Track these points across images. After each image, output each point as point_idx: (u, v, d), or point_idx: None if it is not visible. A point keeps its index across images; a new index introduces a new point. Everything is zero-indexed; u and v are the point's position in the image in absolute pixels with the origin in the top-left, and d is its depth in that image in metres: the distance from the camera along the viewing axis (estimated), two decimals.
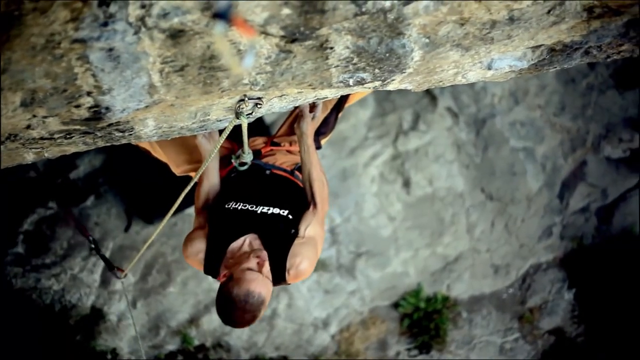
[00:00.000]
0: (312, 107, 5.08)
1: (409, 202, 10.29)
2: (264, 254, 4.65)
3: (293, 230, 4.94)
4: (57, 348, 8.41)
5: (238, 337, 9.21)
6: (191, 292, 8.95)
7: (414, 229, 10.33)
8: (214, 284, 8.86)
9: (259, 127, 5.23)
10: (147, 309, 8.77)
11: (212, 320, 9.03)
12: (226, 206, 5.04)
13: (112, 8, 2.68)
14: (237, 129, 4.43)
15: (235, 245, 4.78)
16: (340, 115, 5.94)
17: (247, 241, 4.80)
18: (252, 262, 4.54)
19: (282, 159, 5.56)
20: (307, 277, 5.17)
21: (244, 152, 5.07)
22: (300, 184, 5.31)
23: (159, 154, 5.54)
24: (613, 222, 10.95)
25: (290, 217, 5.00)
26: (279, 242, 4.78)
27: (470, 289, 10.65)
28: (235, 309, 4.43)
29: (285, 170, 5.42)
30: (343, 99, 5.80)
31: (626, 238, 10.79)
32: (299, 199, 5.18)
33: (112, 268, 6.36)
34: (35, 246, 8.39)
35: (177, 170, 5.62)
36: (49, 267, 8.43)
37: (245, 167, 5.26)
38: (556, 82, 10.77)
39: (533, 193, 10.72)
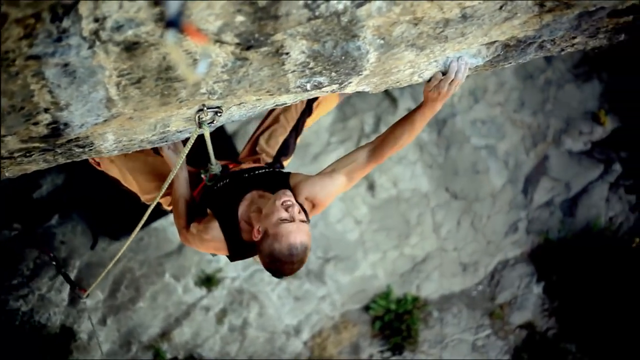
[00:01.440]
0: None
1: (375, 204, 10.32)
2: (287, 194, 4.59)
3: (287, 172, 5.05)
4: None
5: (210, 348, 9.18)
6: (161, 306, 8.91)
7: (381, 232, 10.36)
8: (184, 297, 8.87)
9: (222, 147, 5.23)
10: (118, 325, 8.72)
11: (183, 333, 9.01)
12: (215, 188, 5.08)
13: (65, 23, 2.67)
14: (199, 148, 4.44)
15: (242, 207, 4.80)
16: (298, 139, 5.95)
17: (253, 195, 4.85)
18: (282, 212, 4.46)
19: (247, 166, 5.57)
20: (328, 203, 5.05)
21: (211, 164, 5.06)
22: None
23: (130, 182, 5.49)
24: (577, 215, 11.05)
25: (276, 169, 5.13)
26: (279, 184, 4.82)
27: (439, 288, 10.69)
28: (282, 264, 4.42)
29: None
30: (300, 121, 5.87)
31: (591, 229, 10.88)
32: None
33: (74, 287, 6.30)
34: (1, 268, 8.33)
35: (145, 197, 5.56)
36: (17, 289, 8.36)
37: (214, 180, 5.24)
38: (515, 79, 10.86)
39: (497, 190, 10.80)
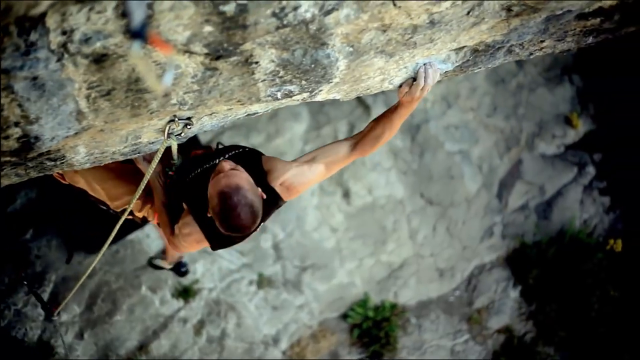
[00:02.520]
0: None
1: (350, 212, 10.33)
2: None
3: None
4: None
5: None
6: (138, 318, 8.87)
7: (357, 239, 10.36)
8: (161, 309, 8.83)
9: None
10: (95, 339, 8.67)
11: (161, 346, 8.96)
12: (187, 180, 5.04)
13: (33, 36, 2.67)
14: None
15: None
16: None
17: None
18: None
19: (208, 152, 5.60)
20: (302, 189, 5.03)
21: (173, 160, 5.05)
22: None
23: (97, 191, 5.47)
24: (552, 218, 11.10)
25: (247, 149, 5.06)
26: (252, 168, 4.76)
27: (417, 295, 10.70)
28: (228, 214, 4.26)
29: None
30: None
31: (566, 232, 10.93)
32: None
33: (45, 306, 6.26)
34: None
35: (115, 204, 5.53)
36: None
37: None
38: (486, 84, 10.91)
39: (472, 195, 10.83)
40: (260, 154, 5.05)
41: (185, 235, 4.89)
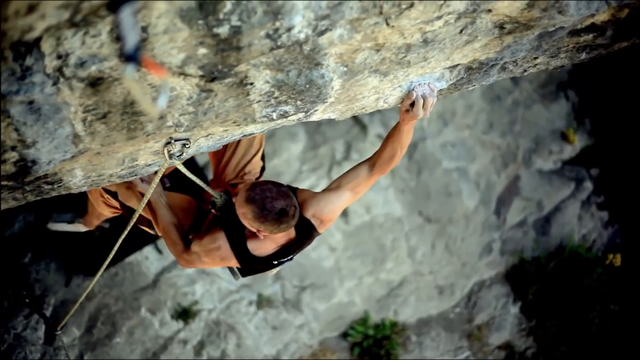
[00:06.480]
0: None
1: (349, 231, 10.32)
2: None
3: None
4: None
5: None
6: (138, 340, 8.85)
7: (356, 258, 10.35)
8: (161, 330, 8.81)
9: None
10: None
11: None
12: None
13: (28, 61, 2.68)
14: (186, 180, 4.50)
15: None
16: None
17: None
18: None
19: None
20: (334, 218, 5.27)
21: (215, 198, 5.09)
22: None
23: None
24: (551, 233, 11.10)
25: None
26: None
27: (417, 312, 10.68)
28: (262, 192, 4.47)
29: None
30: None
31: (564, 247, 10.94)
32: None
33: (48, 322, 6.27)
34: None
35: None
36: None
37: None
38: (482, 101, 10.93)
39: (470, 211, 10.82)
40: (295, 189, 5.14)
41: (211, 250, 4.94)
